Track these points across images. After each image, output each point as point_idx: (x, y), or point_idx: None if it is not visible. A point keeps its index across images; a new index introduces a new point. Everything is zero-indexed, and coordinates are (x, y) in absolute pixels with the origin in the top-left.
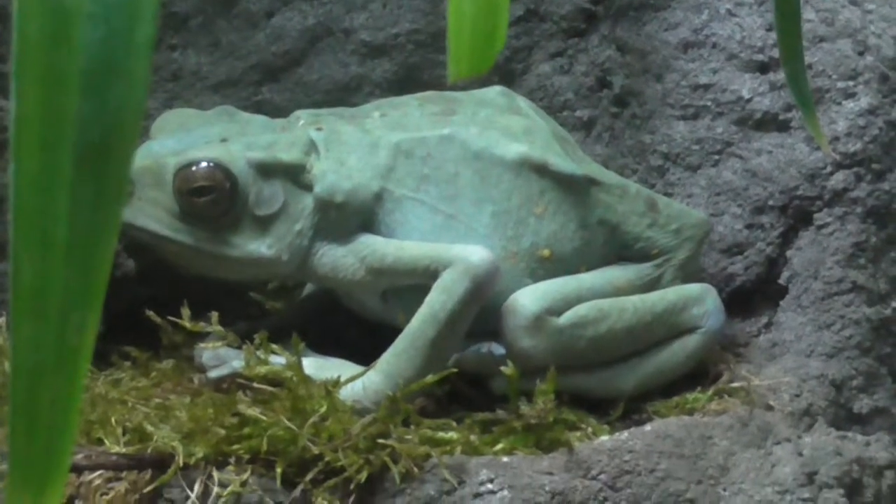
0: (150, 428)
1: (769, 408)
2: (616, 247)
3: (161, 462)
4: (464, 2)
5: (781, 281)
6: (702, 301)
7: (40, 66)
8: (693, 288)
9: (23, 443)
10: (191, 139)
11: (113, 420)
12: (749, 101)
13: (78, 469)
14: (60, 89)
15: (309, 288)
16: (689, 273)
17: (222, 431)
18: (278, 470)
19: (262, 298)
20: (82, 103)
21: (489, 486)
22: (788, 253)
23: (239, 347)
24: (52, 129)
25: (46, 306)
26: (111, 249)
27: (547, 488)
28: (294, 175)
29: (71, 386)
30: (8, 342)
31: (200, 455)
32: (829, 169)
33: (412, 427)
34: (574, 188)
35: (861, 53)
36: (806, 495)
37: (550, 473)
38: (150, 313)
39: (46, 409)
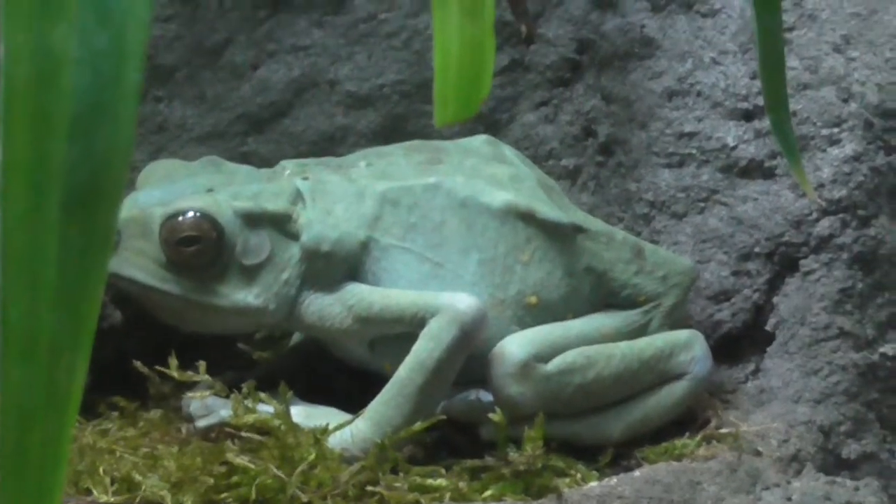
0: (138, 477)
1: (757, 453)
2: (603, 294)
3: None
4: (450, 46)
5: (768, 327)
6: (689, 347)
7: (28, 110)
8: (680, 334)
9: (13, 489)
10: (177, 189)
11: (101, 470)
12: (734, 148)
13: None
14: (48, 133)
15: (296, 337)
16: (676, 320)
17: (211, 480)
18: None
19: (250, 348)
20: (70, 148)
21: None
22: (775, 299)
23: (227, 397)
24: (40, 173)
25: (35, 349)
26: (100, 292)
27: None
28: (280, 224)
29: (61, 428)
30: None
31: None
32: (814, 216)
33: (401, 474)
34: (560, 236)
35: (845, 101)
36: None
37: None
38: (138, 364)
39: (36, 452)
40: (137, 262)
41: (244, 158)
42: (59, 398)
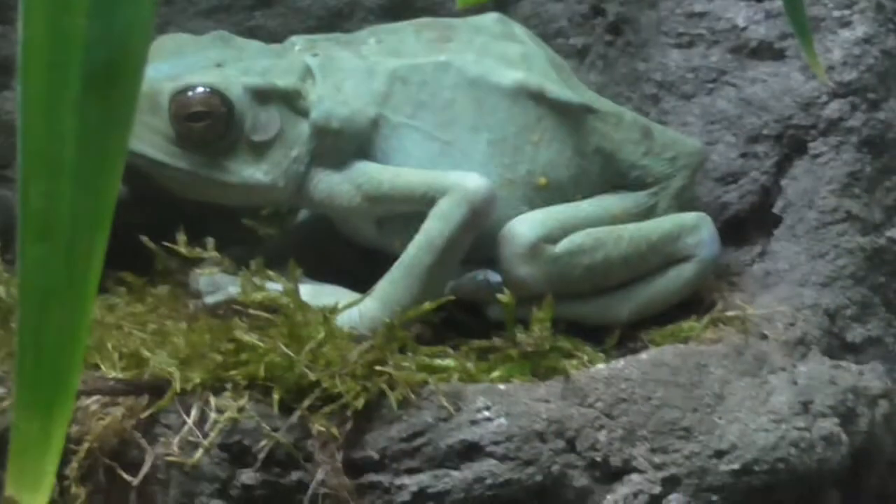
0: (146, 353)
1: (764, 337)
2: (611, 175)
3: (158, 387)
4: None
5: (776, 210)
6: (697, 230)
7: None
8: (688, 217)
9: (31, 365)
10: (186, 64)
11: (109, 345)
12: (744, 29)
13: None
14: (68, 10)
15: (303, 214)
16: (683, 201)
17: (219, 357)
18: (275, 396)
19: (255, 224)
20: (90, 25)
21: (486, 413)
22: (783, 182)
23: (235, 273)
24: (60, 51)
25: (54, 229)
26: (119, 171)
27: (543, 416)
28: (290, 101)
29: (80, 308)
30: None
31: (197, 381)
32: (824, 98)
33: (409, 354)
34: (570, 116)
35: None
36: (801, 424)
37: (547, 401)
38: (145, 239)
39: (55, 331)
40: (146, 138)
41: (251, 33)
42: (78, 278)
